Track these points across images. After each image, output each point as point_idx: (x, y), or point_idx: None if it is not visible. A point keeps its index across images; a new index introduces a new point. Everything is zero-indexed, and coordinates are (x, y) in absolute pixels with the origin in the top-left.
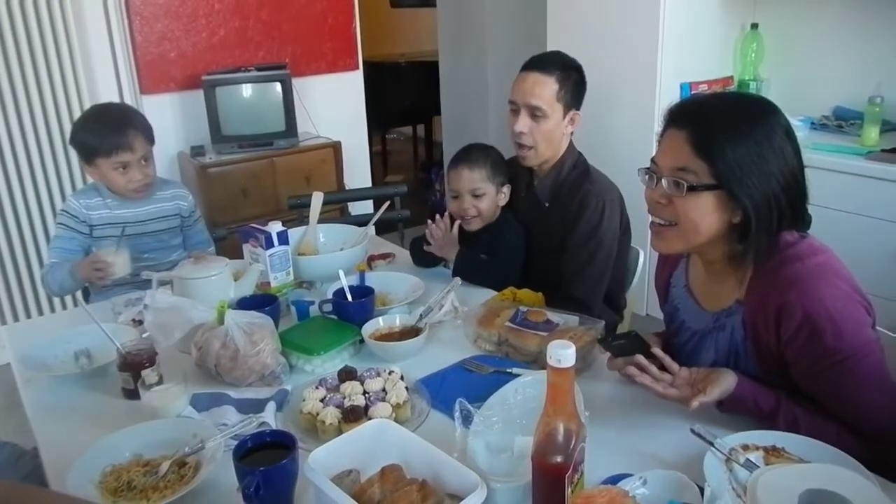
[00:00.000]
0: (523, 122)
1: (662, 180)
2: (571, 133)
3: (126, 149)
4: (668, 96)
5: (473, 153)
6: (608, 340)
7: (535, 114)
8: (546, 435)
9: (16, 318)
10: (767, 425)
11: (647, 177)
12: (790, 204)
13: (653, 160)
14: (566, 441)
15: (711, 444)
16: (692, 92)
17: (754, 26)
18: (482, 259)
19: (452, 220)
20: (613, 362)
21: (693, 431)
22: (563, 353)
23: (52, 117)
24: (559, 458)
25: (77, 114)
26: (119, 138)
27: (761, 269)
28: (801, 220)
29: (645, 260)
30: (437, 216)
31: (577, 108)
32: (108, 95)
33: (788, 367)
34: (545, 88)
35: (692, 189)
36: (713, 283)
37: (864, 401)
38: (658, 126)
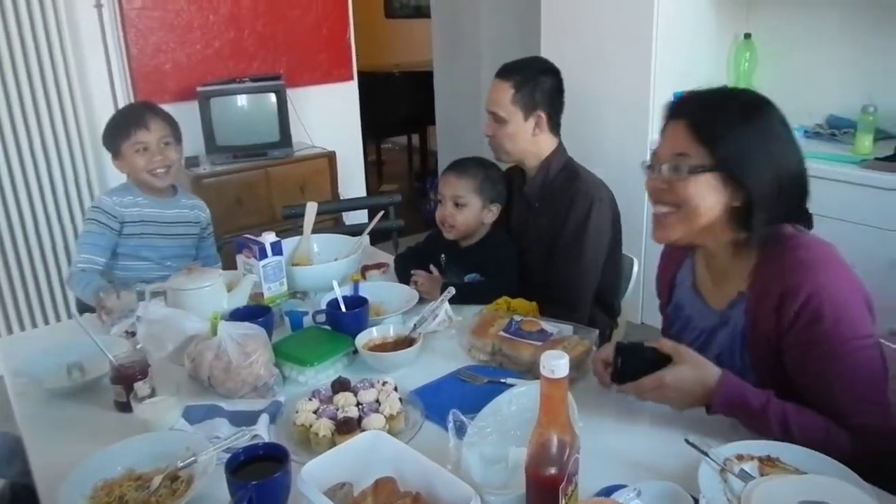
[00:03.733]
0: (488, 126)
1: (663, 166)
2: (554, 132)
3: (143, 127)
4: (662, 104)
5: (468, 163)
6: (620, 371)
7: (496, 119)
8: (540, 446)
9: (9, 331)
10: (757, 424)
11: (648, 168)
12: (792, 191)
13: (653, 153)
14: (560, 452)
15: (706, 454)
16: None
17: (747, 36)
18: (471, 284)
19: (427, 265)
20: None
21: (687, 441)
22: (556, 364)
23: (48, 131)
24: (553, 470)
25: (73, 126)
26: (136, 119)
27: (766, 257)
28: (804, 215)
29: (640, 269)
30: (412, 273)
31: (547, 110)
32: (104, 107)
33: (781, 360)
34: (500, 94)
35: (692, 171)
36: (718, 279)
37: (853, 392)
38: (653, 135)
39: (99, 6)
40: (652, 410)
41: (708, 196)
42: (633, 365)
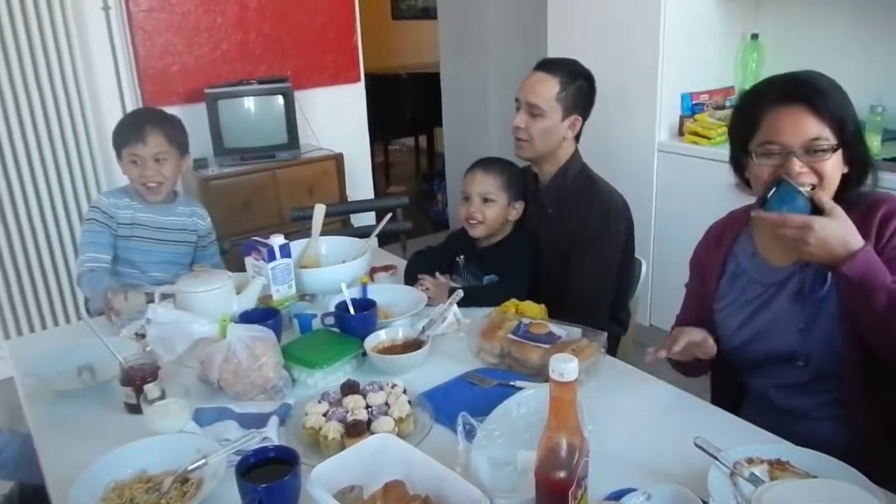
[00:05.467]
0: (521, 118)
1: (797, 151)
2: (576, 139)
3: (139, 141)
4: (669, 106)
5: (493, 162)
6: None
7: (533, 112)
8: (549, 450)
9: (19, 332)
10: (876, 297)
11: (767, 157)
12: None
13: (767, 141)
14: (569, 456)
15: (715, 457)
16: (693, 102)
17: (754, 36)
18: (481, 286)
19: (433, 272)
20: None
21: (697, 445)
22: (565, 367)
23: (56, 132)
24: (562, 474)
25: (80, 128)
26: (135, 131)
27: (854, 211)
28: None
29: (648, 270)
30: (419, 277)
31: (581, 115)
32: (111, 109)
33: None
34: (546, 88)
35: (832, 150)
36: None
37: None
38: (660, 135)
39: (106, 8)
40: (661, 413)
41: (838, 171)
42: (785, 199)
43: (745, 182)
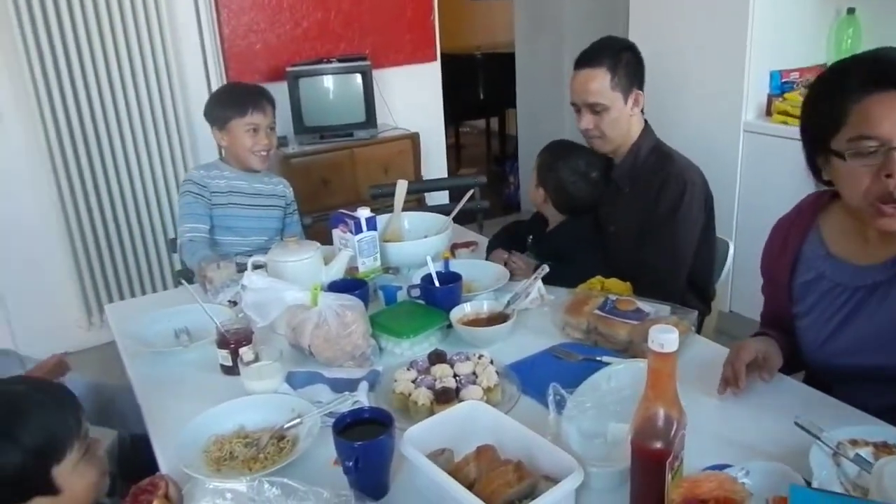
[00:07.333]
0: (587, 120)
1: None
2: (642, 112)
3: (259, 110)
4: (757, 85)
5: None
6: None
7: (596, 109)
8: (646, 420)
9: (121, 297)
10: None
11: (862, 157)
12: None
13: (860, 137)
14: (667, 427)
15: (818, 437)
16: (782, 81)
17: (850, 11)
18: (560, 265)
19: (517, 246)
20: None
21: (797, 424)
22: (665, 338)
23: (146, 107)
24: (659, 444)
25: (169, 103)
26: (254, 102)
27: None
28: None
29: (734, 253)
30: (508, 254)
31: (639, 87)
32: (198, 86)
33: None
34: (598, 82)
35: None
36: (875, 238)
37: None
38: (746, 115)
39: None
40: (754, 390)
41: None
42: None
43: (826, 183)
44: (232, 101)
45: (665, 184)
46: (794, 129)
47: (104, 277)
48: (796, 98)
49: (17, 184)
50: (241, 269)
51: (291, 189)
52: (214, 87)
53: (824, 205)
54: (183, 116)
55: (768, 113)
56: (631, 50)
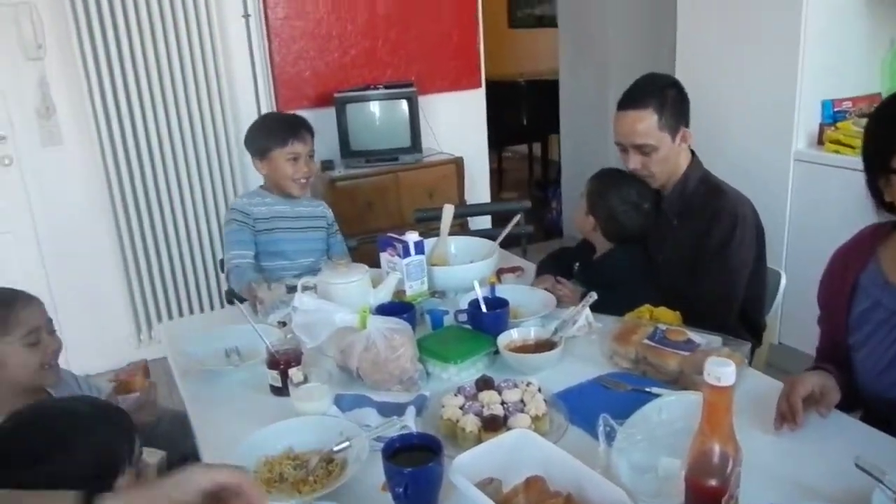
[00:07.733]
0: (635, 161)
1: None
2: (689, 147)
3: (300, 140)
4: (808, 114)
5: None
6: None
7: (644, 151)
8: (701, 455)
9: (170, 316)
10: None
11: None
12: None
13: None
14: (723, 463)
15: (880, 480)
16: (834, 110)
17: None
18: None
19: (564, 272)
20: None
21: (858, 466)
22: (722, 371)
23: (199, 131)
24: (715, 481)
25: (221, 128)
26: (294, 132)
27: None
28: None
29: (785, 285)
30: (555, 279)
31: (686, 124)
32: (249, 112)
33: None
34: (645, 123)
35: None
36: None
37: None
38: (797, 144)
39: (246, 16)
40: (814, 428)
41: None
42: None
43: (887, 208)
44: (272, 132)
45: (716, 217)
46: (847, 159)
47: (154, 295)
48: (849, 127)
49: (75, 205)
50: (291, 290)
51: (331, 210)
52: (262, 115)
53: (885, 234)
54: (234, 142)
55: (820, 142)
56: (675, 87)
